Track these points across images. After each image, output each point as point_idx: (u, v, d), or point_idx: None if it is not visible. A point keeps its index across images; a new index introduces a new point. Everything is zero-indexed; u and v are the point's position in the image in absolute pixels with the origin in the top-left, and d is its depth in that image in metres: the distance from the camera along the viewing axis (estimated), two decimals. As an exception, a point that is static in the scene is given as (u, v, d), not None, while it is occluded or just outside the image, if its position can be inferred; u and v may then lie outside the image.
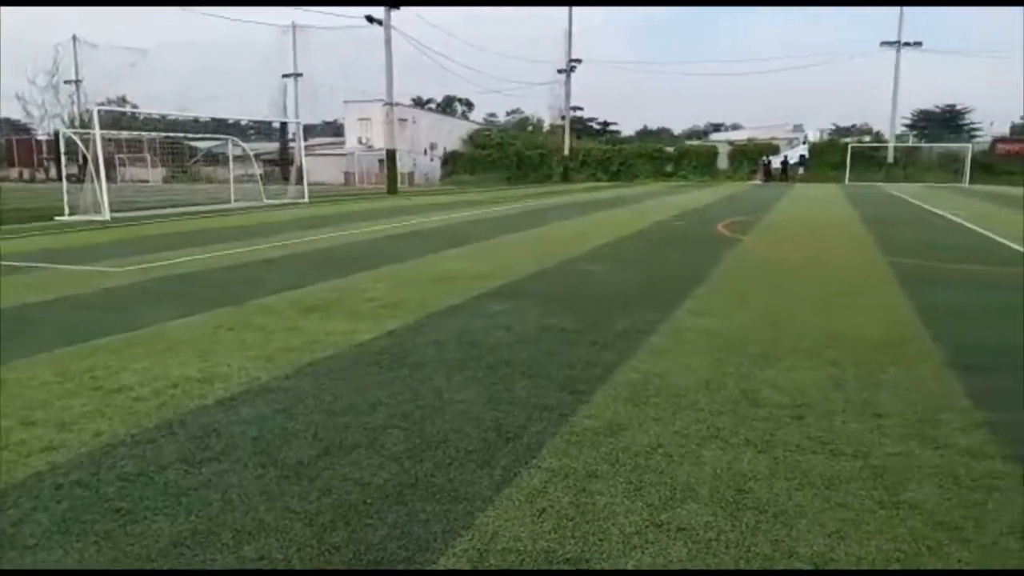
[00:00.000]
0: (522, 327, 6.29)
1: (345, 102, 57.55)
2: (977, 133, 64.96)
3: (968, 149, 50.98)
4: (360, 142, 55.46)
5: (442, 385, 4.66)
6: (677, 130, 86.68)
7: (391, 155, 39.02)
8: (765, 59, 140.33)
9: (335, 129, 70.07)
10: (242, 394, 4.53)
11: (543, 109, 71.27)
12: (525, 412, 4.15)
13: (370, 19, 37.48)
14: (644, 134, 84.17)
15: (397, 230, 16.05)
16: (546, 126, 71.53)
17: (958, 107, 71.58)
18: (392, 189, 38.01)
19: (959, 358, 5.26)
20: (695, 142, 66.49)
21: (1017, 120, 66.73)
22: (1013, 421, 4.01)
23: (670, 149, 61.26)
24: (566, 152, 58.03)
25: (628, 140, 72.94)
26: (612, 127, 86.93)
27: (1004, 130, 63.73)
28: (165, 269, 9.99)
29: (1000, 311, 7.04)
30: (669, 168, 58.20)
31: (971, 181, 46.70)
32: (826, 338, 5.88)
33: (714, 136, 74.04)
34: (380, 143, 44.95)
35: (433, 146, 60.23)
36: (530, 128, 76.62)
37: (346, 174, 54.98)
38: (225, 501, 3.09)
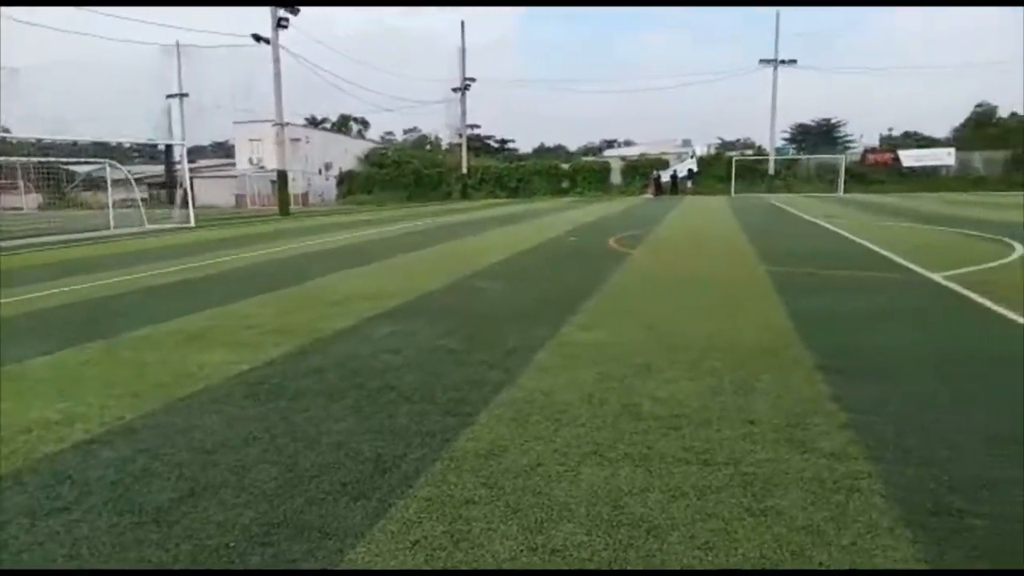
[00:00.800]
0: (411, 349, 6.19)
1: (235, 123, 55.96)
2: (850, 145, 69.16)
3: (842, 160, 54.26)
4: (251, 163, 54.03)
5: (320, 416, 4.50)
6: (572, 147, 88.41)
7: (283, 176, 38.12)
8: (655, 77, 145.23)
9: (226, 150, 67.95)
10: (104, 435, 4.24)
11: (441, 127, 71.36)
12: (405, 440, 4.06)
13: (257, 38, 36.62)
14: (541, 151, 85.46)
15: (287, 253, 15.62)
16: (444, 144, 71.67)
17: (833, 121, 76.05)
18: (284, 210, 37.09)
19: (828, 362, 5.50)
20: (590, 158, 68.09)
21: (884, 132, 71.35)
22: (873, 422, 4.21)
23: (566, 166, 62.49)
24: (464, 170, 58.23)
25: (525, 157, 73.82)
26: (510, 144, 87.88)
27: (874, 141, 68.10)
28: (31, 303, 9.34)
29: (867, 315, 7.43)
30: (565, 184, 59.32)
31: (845, 190, 49.66)
32: (706, 347, 6.05)
33: (608, 152, 75.95)
34: (273, 163, 43.82)
35: (328, 166, 59.28)
36: (428, 146, 76.59)
37: (237, 196, 53.36)
38: (71, 556, 2.86)
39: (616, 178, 59.14)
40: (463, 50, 58.07)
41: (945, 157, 55.02)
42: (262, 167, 51.86)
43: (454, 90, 58.85)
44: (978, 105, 68.69)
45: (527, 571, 2.69)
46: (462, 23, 59.21)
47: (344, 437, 4.12)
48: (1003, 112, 66.54)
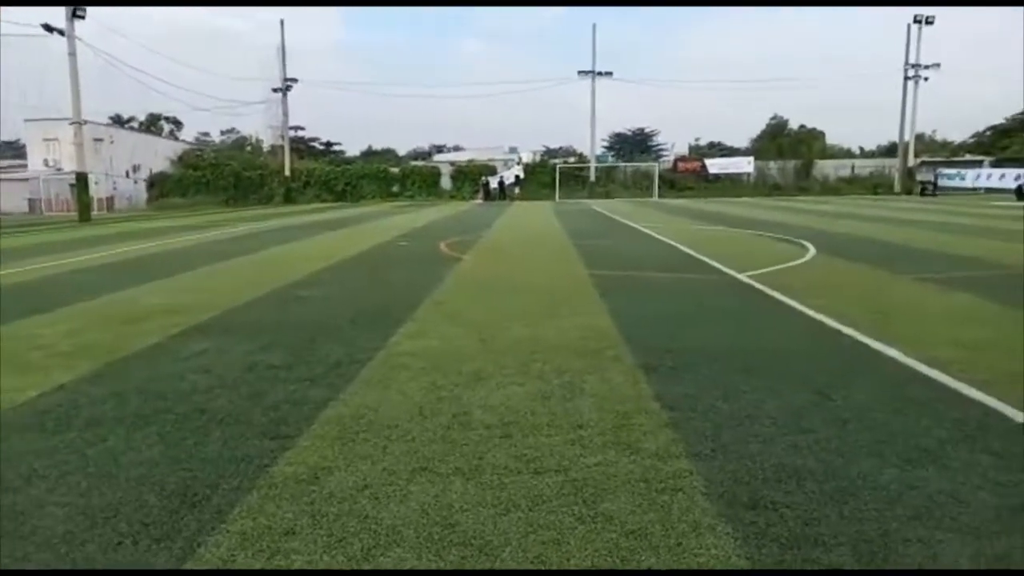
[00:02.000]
0: (224, 367, 5.75)
1: (27, 120, 50.60)
2: (663, 153, 73.60)
3: (656, 167, 57.62)
4: (47, 164, 49.03)
5: (119, 447, 4.04)
6: (402, 151, 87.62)
7: (82, 178, 34.90)
8: (483, 84, 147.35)
9: (16, 150, 61.18)
10: None
11: (262, 128, 68.09)
12: (218, 468, 3.72)
13: (49, 28, 33.24)
14: (369, 154, 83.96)
15: (85, 263, 14.22)
16: (266, 146, 68.56)
17: (647, 130, 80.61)
18: (85, 216, 33.95)
19: (649, 361, 5.70)
20: (419, 163, 67.84)
21: (692, 142, 76.61)
22: (691, 418, 4.38)
23: (395, 169, 61.87)
24: (287, 173, 56.11)
25: (353, 160, 72.29)
26: (336, 147, 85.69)
27: (684, 150, 72.90)
28: None
29: (683, 314, 7.82)
30: (395, 188, 58.74)
31: (660, 196, 52.76)
32: (535, 351, 6.09)
33: (437, 157, 76.01)
34: (72, 165, 39.96)
35: (137, 168, 55.03)
36: (249, 148, 72.97)
37: (31, 201, 48.24)
38: None
39: (446, 183, 59.35)
40: (283, 49, 56.01)
41: (745, 165, 59.88)
42: (59, 169, 47.20)
43: (275, 90, 56.59)
44: (772, 118, 75.43)
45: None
46: (281, 21, 57.09)
47: (147, 469, 3.71)
48: (793, 125, 73.54)
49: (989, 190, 46.64)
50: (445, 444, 4.02)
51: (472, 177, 58.10)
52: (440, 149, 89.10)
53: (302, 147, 73.19)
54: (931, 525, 3.02)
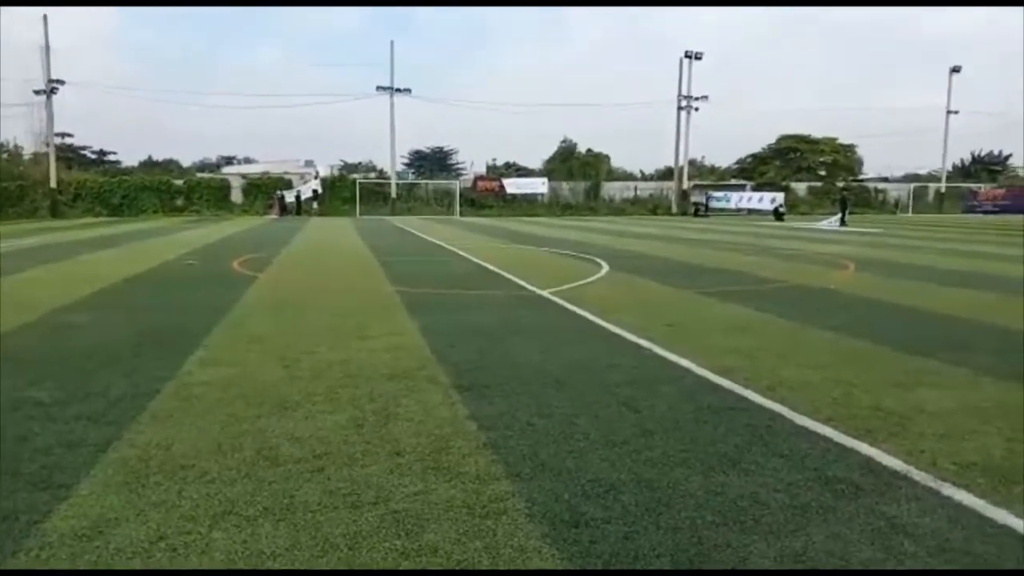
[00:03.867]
0: (-22, 407, 4.95)
1: None
2: (462, 172, 74.83)
3: (457, 186, 58.41)
4: None
5: None
6: (186, 162, 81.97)
7: None
8: (277, 95, 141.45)
9: None
10: None
11: (22, 134, 60.88)
12: (-29, 530, 3.15)
13: None
14: (148, 165, 77.67)
15: None
16: (27, 154, 61.30)
17: (446, 148, 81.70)
18: None
19: (462, 380, 5.66)
20: (206, 175, 63.81)
21: (490, 161, 78.57)
22: (508, 437, 4.37)
23: (180, 182, 57.68)
24: (53, 183, 50.55)
25: (130, 171, 66.49)
26: (111, 156, 78.53)
27: (482, 169, 74.57)
28: None
29: (492, 331, 7.87)
30: (180, 202, 54.74)
31: (461, 214, 53.53)
32: (345, 375, 5.84)
33: (227, 169, 71.95)
34: None
35: None
36: (6, 156, 64.88)
37: None
38: None
39: (237, 197, 56.26)
40: (47, 47, 50.51)
41: (540, 186, 62.35)
42: None
43: (36, 92, 50.84)
44: (563, 141, 79.31)
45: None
46: (44, 17, 51.43)
47: None
48: (582, 148, 77.80)
49: (751, 211, 52.03)
50: (250, 483, 3.70)
51: (266, 191, 55.52)
52: (230, 161, 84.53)
53: (71, 156, 66.28)
54: (738, 529, 3.20)
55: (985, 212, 56.13)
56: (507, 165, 77.05)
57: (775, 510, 3.39)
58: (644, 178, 73.73)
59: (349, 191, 55.85)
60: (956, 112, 62.77)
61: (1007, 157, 78.20)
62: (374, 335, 7.54)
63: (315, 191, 55.22)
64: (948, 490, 3.64)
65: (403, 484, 3.67)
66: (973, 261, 16.63)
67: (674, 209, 58.69)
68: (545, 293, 10.69)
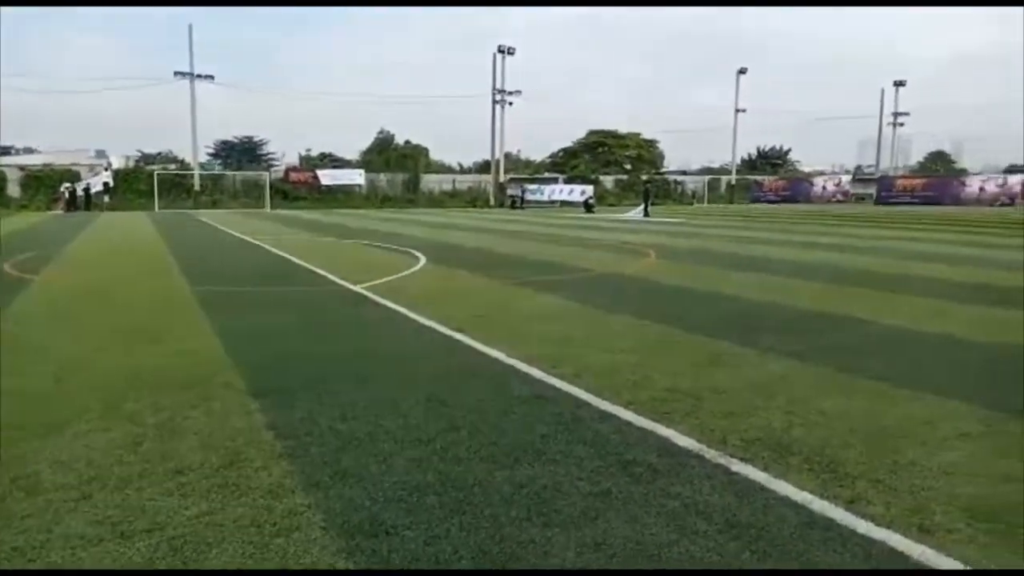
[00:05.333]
0: None
1: None
2: (274, 163, 71.62)
3: (267, 177, 55.79)
4: None
5: None
6: (-52, 152, 72.26)
7: None
8: (62, 80, 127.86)
9: None
10: None
11: None
12: None
13: None
14: (-100, 155, 67.70)
15: None
16: None
17: (256, 138, 77.75)
18: None
19: (262, 385, 5.28)
20: (-27, 166, 56.56)
21: (304, 152, 75.78)
22: (309, 444, 4.11)
23: (-60, 173, 50.72)
24: None
25: None
26: None
27: (295, 160, 71.84)
28: None
29: (297, 330, 7.49)
30: (-60, 197, 48.16)
31: (272, 206, 51.21)
32: (127, 387, 5.26)
33: (2, 160, 64.26)
34: None
35: None
36: None
37: None
38: None
39: (15, 191, 50.38)
40: None
41: (357, 177, 61.02)
42: None
43: None
44: (380, 132, 78.18)
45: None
46: None
47: None
48: (400, 139, 77.14)
49: (564, 203, 53.93)
50: (1, 520, 3.19)
51: (50, 184, 50.16)
52: (6, 151, 75.64)
53: None
54: (540, 522, 3.17)
55: (769, 202, 61.82)
56: (322, 156, 74.78)
57: (577, 499, 3.40)
58: (463, 171, 74.44)
59: (146, 183, 51.70)
60: (744, 110, 68.65)
61: (787, 152, 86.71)
62: (166, 340, 6.91)
63: (106, 184, 50.67)
64: (736, 466, 3.84)
65: (184, 506, 3.32)
66: (759, 247, 18.15)
67: (492, 202, 59.67)
68: (358, 288, 10.36)
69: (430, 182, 63.54)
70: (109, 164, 54.57)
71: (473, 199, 60.42)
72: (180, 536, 3.03)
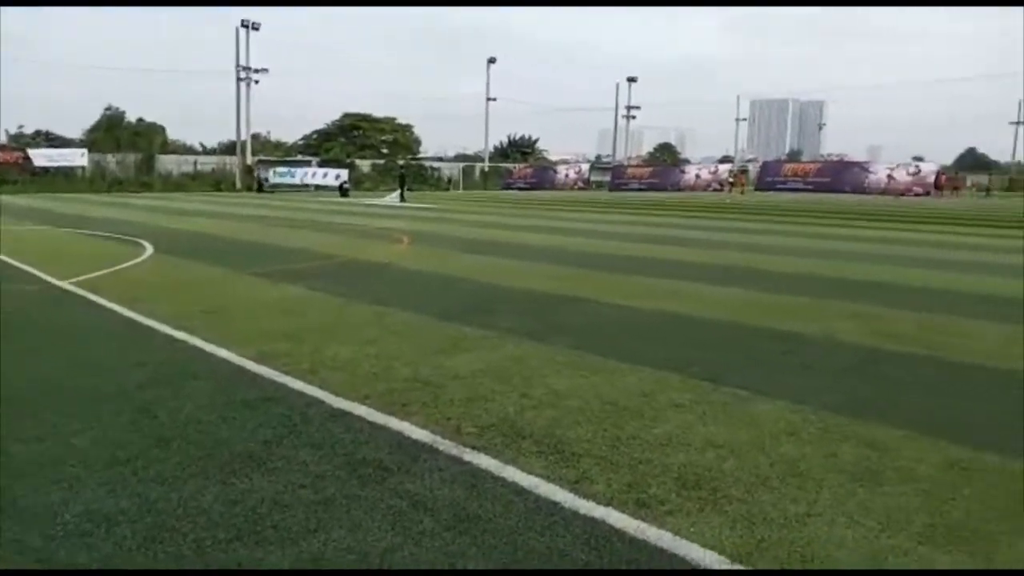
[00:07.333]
0: None
1: None
2: (-29, 141, 61.71)
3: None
4: None
5: None
6: None
7: None
8: None
9: None
10: None
11: None
12: None
13: None
14: None
15: None
16: None
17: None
18: None
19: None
20: None
21: (14, 130, 66.03)
22: (-28, 477, 3.42)
23: None
24: None
25: None
26: None
27: (2, 138, 62.45)
28: None
29: (-20, 337, 6.36)
30: None
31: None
32: None
33: None
34: None
35: None
36: None
37: None
38: None
39: None
40: None
41: (79, 158, 54.34)
42: None
43: None
44: (107, 109, 70.34)
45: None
46: None
47: None
48: (131, 117, 70.00)
49: (318, 187, 52.16)
50: None
51: None
52: None
53: None
54: (252, 542, 2.86)
55: (519, 188, 64.43)
56: (37, 134, 65.88)
57: (297, 511, 3.12)
58: (206, 152, 69.36)
59: None
60: (495, 99, 70.74)
61: (535, 141, 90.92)
62: None
63: None
64: (469, 455, 3.78)
65: None
66: (506, 232, 18.73)
67: (238, 185, 56.18)
68: (65, 284, 9.07)
69: (168, 163, 58.35)
70: None
71: (218, 182, 56.40)
72: None
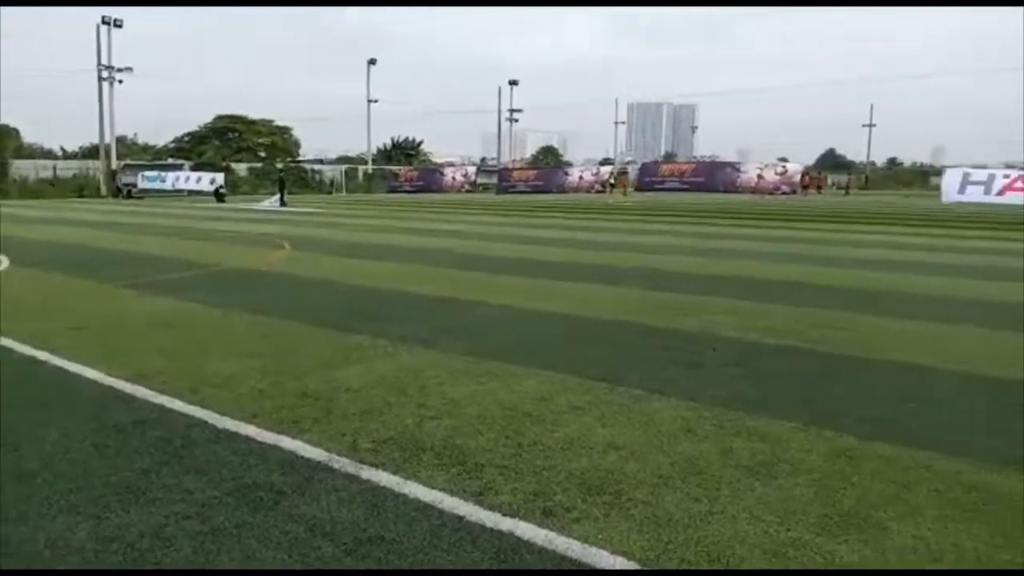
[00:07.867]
0: None
1: None
2: None
3: None
4: None
5: None
6: None
7: None
8: None
9: None
10: None
11: None
12: None
13: None
14: None
15: None
16: None
17: None
18: None
19: None
20: None
21: None
22: None
23: None
24: None
25: None
26: None
27: None
28: None
29: None
30: None
31: None
32: None
33: None
34: None
35: None
36: None
37: None
38: None
39: None
40: None
41: (-83, 162, 49.68)
42: None
43: None
44: (-52, 109, 64.64)
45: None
46: None
47: None
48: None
49: (192, 192, 49.79)
50: None
51: None
52: None
53: None
54: (131, 584, 2.61)
55: (405, 191, 63.76)
56: None
57: (182, 544, 2.89)
58: (67, 156, 64.90)
59: None
60: (376, 101, 69.66)
61: (420, 143, 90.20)
62: None
63: None
64: (367, 472, 3.63)
65: None
66: (391, 236, 18.45)
67: (103, 191, 52.85)
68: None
69: (24, 169, 54.16)
70: None
71: (81, 188, 52.85)
72: None
